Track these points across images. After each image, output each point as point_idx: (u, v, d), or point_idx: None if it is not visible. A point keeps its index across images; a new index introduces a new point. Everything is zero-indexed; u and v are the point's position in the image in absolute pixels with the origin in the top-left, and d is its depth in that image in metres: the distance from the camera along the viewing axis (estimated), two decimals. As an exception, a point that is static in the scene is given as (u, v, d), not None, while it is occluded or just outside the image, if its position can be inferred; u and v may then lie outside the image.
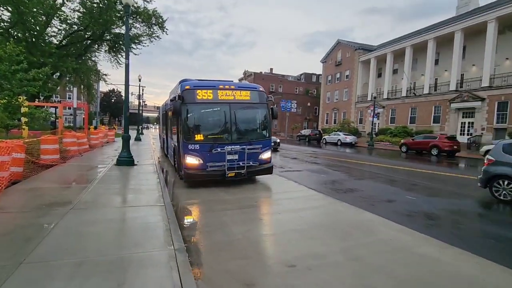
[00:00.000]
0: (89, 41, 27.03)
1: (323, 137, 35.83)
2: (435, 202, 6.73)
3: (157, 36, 27.33)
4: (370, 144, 30.19)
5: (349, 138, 32.05)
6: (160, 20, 26.56)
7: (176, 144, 8.14)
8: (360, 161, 14.76)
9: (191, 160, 7.07)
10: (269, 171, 7.90)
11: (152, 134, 44.18)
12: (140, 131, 31.55)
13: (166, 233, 3.87)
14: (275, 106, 8.30)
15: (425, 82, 34.23)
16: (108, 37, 27.62)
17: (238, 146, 7.32)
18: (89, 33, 25.68)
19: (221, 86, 7.45)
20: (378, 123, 39.93)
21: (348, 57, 47.94)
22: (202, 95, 7.20)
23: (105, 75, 32.60)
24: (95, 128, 37.20)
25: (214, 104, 7.40)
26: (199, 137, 7.18)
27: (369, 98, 43.21)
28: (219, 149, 7.07)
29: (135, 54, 27.50)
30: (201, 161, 7.10)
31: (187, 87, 7.20)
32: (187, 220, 4.85)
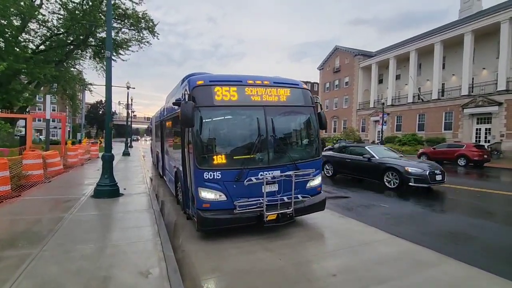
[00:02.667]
0: (72, 46, 24.24)
1: (328, 146, 33.47)
2: None
3: (147, 42, 24.72)
4: (379, 154, 27.94)
5: (357, 148, 29.78)
6: (151, 23, 23.98)
7: (181, 169, 5.51)
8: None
9: (209, 197, 4.44)
10: (321, 206, 5.31)
11: (142, 146, 41.07)
12: (129, 144, 28.56)
13: None
14: (322, 110, 5.79)
15: (433, 87, 32.52)
16: (93, 43, 24.95)
17: (279, 171, 4.74)
18: (72, 38, 23.01)
19: (250, 82, 4.90)
20: (383, 131, 37.99)
21: (347, 63, 46.33)
22: (223, 94, 4.63)
23: (91, 84, 29.83)
24: (79, 142, 33.98)
25: (242, 108, 4.83)
26: (220, 159, 4.57)
27: (371, 105, 41.45)
28: (253, 178, 4.47)
29: (123, 60, 24.91)
30: (225, 198, 4.48)
31: (200, 82, 4.63)
32: None
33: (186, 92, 4.73)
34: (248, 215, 4.46)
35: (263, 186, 4.55)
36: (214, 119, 4.72)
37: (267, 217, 4.48)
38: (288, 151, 5.03)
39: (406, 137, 32.45)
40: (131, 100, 33.12)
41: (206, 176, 4.42)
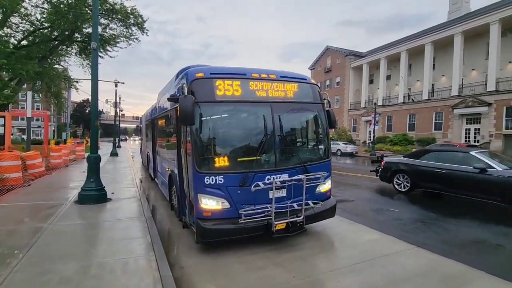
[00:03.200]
0: (56, 42, 23.10)
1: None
2: None
3: (136, 39, 23.78)
4: (372, 154, 28.03)
5: (350, 148, 29.80)
6: (140, 19, 23.06)
7: (177, 172, 4.97)
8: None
9: (211, 204, 3.93)
10: (332, 212, 4.87)
11: (131, 146, 39.97)
12: (117, 144, 27.53)
13: None
14: (330, 107, 5.35)
15: (423, 87, 32.80)
16: (79, 38, 23.86)
17: (287, 175, 4.28)
18: (56, 33, 21.93)
19: (254, 75, 4.41)
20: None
21: (338, 63, 46.37)
22: (225, 89, 4.12)
23: (76, 82, 28.65)
24: (64, 142, 32.67)
25: (247, 104, 4.33)
26: (222, 161, 4.06)
27: (362, 105, 41.62)
28: (260, 183, 3.98)
29: (111, 57, 23.90)
30: (229, 206, 3.98)
31: (200, 74, 4.11)
32: None
33: (183, 86, 4.19)
34: (254, 224, 3.97)
35: (270, 192, 4.09)
36: (215, 116, 4.20)
37: (275, 226, 3.99)
38: (297, 152, 4.57)
39: (397, 137, 32.61)
40: (119, 98, 32.09)
41: (207, 181, 3.90)
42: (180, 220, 5.13)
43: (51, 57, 23.73)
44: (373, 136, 30.31)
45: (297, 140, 4.90)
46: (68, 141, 21.73)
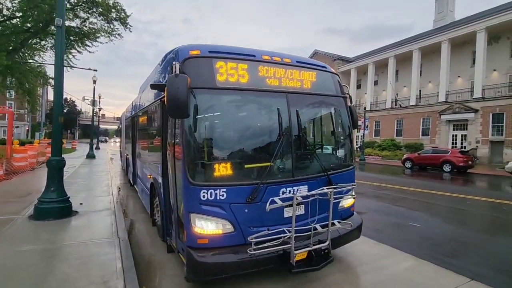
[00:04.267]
0: (29, 34, 21.21)
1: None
2: None
3: (118, 34, 22.23)
4: (361, 159, 27.71)
5: (340, 152, 29.32)
6: (123, 14, 21.54)
7: (161, 180, 3.87)
8: (402, 187, 10.99)
9: (208, 229, 2.86)
10: (358, 233, 3.89)
11: (111, 148, 37.86)
12: (95, 146, 25.69)
13: None
14: (352, 104, 4.42)
15: (410, 93, 32.95)
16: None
17: (306, 187, 3.28)
18: (29, 24, 20.12)
19: (265, 57, 3.40)
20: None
21: (326, 67, 46.24)
22: (228, 73, 3.09)
23: (52, 78, 26.66)
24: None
25: (257, 94, 3.30)
26: (224, 169, 3.01)
27: (350, 110, 41.48)
28: (277, 200, 2.92)
29: (90, 52, 22.23)
30: (232, 229, 2.93)
31: (195, 52, 3.05)
32: None
33: (173, 66, 3.08)
34: (267, 255, 2.92)
35: (286, 209, 3.09)
36: (216, 108, 3.16)
37: (295, 257, 2.96)
38: (319, 158, 3.58)
39: (385, 142, 32.53)
40: (99, 96, 30.21)
41: (203, 196, 2.84)
42: (163, 240, 4.03)
43: (22, 50, 21.85)
44: (362, 141, 30.06)
45: (317, 142, 3.92)
46: (36, 142, 19.80)
